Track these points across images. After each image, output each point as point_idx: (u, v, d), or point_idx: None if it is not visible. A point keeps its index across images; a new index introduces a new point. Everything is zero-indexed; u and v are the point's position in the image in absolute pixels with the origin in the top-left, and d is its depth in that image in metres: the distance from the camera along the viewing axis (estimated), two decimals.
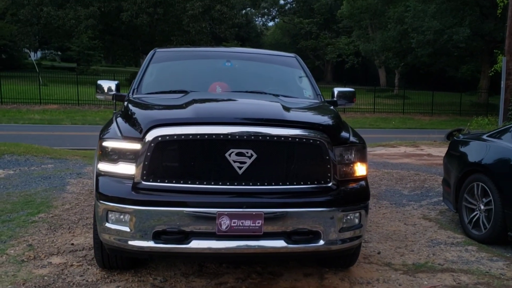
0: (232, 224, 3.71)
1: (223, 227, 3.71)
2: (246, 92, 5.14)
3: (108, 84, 5.38)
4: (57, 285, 4.22)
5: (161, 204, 3.75)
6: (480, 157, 5.71)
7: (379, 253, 5.14)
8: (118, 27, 43.50)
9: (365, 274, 4.61)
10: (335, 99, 5.47)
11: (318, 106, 4.85)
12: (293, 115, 4.09)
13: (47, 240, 5.35)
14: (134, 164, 3.84)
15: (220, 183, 3.78)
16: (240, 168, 3.75)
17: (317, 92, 5.39)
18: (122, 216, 3.83)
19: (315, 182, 3.90)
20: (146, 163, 3.77)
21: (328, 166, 3.90)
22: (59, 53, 67.50)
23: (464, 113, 31.66)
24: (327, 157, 3.89)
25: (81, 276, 4.42)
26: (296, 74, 5.73)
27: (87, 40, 46.64)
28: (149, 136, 3.78)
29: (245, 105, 4.45)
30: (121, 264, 4.44)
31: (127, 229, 3.79)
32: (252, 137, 3.76)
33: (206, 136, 3.75)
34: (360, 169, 4.11)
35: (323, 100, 5.28)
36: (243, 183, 3.78)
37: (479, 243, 5.57)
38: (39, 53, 65.77)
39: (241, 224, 3.72)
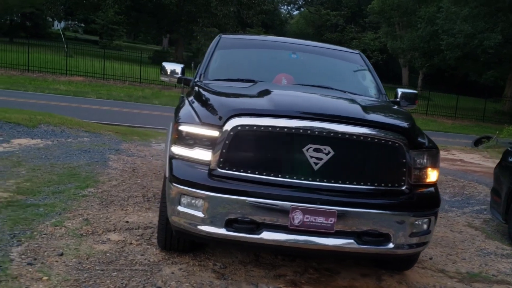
0: (305, 220, 3.75)
1: (296, 221, 3.74)
2: (313, 86, 5.14)
3: (173, 67, 5.41)
4: (120, 263, 4.28)
5: (236, 193, 3.79)
6: None
7: (431, 258, 5.16)
8: (145, 4, 43.47)
9: (420, 279, 4.63)
10: (398, 99, 5.46)
11: (392, 107, 4.85)
12: (373, 115, 4.10)
13: (101, 216, 5.41)
14: (211, 150, 3.87)
15: (294, 177, 3.81)
16: (316, 164, 3.77)
17: (381, 91, 5.39)
18: (196, 201, 3.87)
19: (389, 185, 3.92)
20: (223, 151, 3.81)
21: (404, 169, 3.91)
22: (82, 25, 67.67)
23: (487, 120, 31.46)
24: (404, 160, 3.90)
25: (142, 255, 4.48)
26: (360, 71, 5.74)
27: (112, 14, 46.63)
28: (229, 125, 3.80)
29: (325, 101, 4.46)
30: (182, 247, 4.50)
31: (200, 214, 3.83)
32: (332, 134, 3.77)
33: (286, 130, 3.77)
34: (432, 175, 4.12)
35: (388, 100, 5.28)
36: (318, 179, 3.81)
37: None
38: (62, 24, 65.86)
39: (313, 220, 3.75)
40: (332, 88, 5.13)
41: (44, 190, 6.19)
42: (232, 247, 4.70)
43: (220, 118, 3.86)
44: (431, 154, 4.11)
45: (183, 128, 4.02)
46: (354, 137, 3.81)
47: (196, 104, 4.26)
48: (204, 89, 4.58)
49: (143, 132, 12.46)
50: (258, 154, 3.83)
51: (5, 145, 8.91)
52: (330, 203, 3.77)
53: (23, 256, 4.23)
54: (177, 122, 4.11)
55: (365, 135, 3.83)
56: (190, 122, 4.04)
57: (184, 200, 3.92)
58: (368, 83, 5.56)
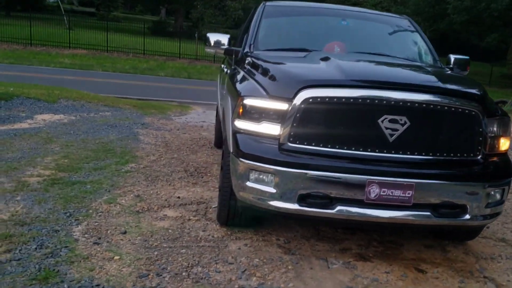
0: (382, 193, 3.67)
1: (372, 195, 3.67)
2: (369, 54, 5.03)
3: (219, 38, 5.27)
4: (185, 239, 4.23)
5: (309, 167, 3.70)
6: None
7: (488, 227, 5.11)
8: None
9: (484, 248, 4.59)
10: (451, 66, 5.35)
11: (459, 75, 4.75)
12: (449, 83, 3.99)
13: (151, 192, 5.35)
14: (279, 124, 3.77)
15: (369, 150, 3.72)
16: (391, 135, 3.68)
17: (436, 58, 5.28)
18: (266, 176, 3.79)
19: (464, 154, 3.83)
20: (294, 124, 3.71)
21: (480, 138, 3.83)
22: None
23: (493, 84, 31.28)
24: (480, 129, 3.81)
25: (204, 231, 4.43)
26: (412, 37, 5.61)
27: None
28: (300, 97, 3.70)
29: (397, 70, 4.36)
30: (244, 222, 4.44)
31: (271, 189, 3.75)
32: (408, 104, 3.67)
33: (360, 100, 3.67)
34: (505, 143, 4.04)
35: (443, 66, 5.17)
36: (393, 151, 3.72)
37: None
38: None
39: (390, 194, 3.68)
40: (388, 55, 5.02)
41: (84, 166, 6.11)
42: (300, 222, 4.64)
43: (290, 90, 3.74)
44: (504, 122, 4.02)
45: (249, 102, 3.91)
46: (431, 106, 3.71)
47: (258, 76, 4.14)
48: (263, 60, 4.45)
49: (158, 105, 12.33)
50: (330, 126, 3.73)
51: (29, 121, 8.81)
52: (407, 176, 3.69)
53: (86, 236, 4.17)
54: (241, 96, 3.99)
55: (442, 104, 3.73)
56: (256, 95, 3.92)
57: (253, 175, 3.83)
58: (421, 50, 5.44)
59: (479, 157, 3.87)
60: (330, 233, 4.61)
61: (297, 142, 3.74)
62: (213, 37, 5.30)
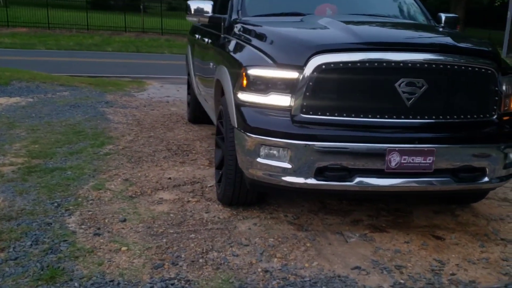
0: (402, 161, 3.50)
1: (393, 164, 3.49)
2: (366, 15, 4.84)
3: (200, 5, 4.93)
4: (191, 223, 3.97)
5: (326, 139, 3.49)
6: None
7: None
8: None
9: (490, 210, 4.53)
10: (442, 24, 5.19)
11: (461, 34, 4.60)
12: (463, 43, 3.84)
13: (139, 174, 5.03)
14: (289, 94, 3.52)
15: (386, 117, 3.53)
16: (409, 100, 3.49)
17: (428, 16, 5.12)
18: (279, 151, 3.54)
19: (481, 115, 3.70)
20: (307, 94, 3.47)
21: (496, 97, 3.70)
22: None
23: None
24: (496, 88, 3.68)
25: (207, 212, 4.17)
26: None
27: None
28: (312, 64, 3.45)
29: (408, 31, 4.16)
30: (250, 200, 4.21)
31: (286, 164, 3.52)
32: (426, 65, 3.49)
33: (376, 64, 3.46)
34: None
35: (437, 25, 5.03)
36: (411, 117, 3.54)
37: None
38: None
39: (411, 161, 3.51)
40: (385, 16, 4.83)
41: (58, 151, 5.71)
42: (305, 196, 4.43)
43: (300, 57, 3.48)
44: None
45: (254, 71, 3.64)
46: (448, 66, 3.54)
47: (259, 44, 3.86)
48: (260, 27, 4.17)
49: (113, 82, 11.81)
50: (345, 94, 3.51)
51: None
52: (428, 141, 3.53)
53: (83, 227, 3.85)
54: (243, 66, 3.70)
55: (459, 64, 3.56)
56: (261, 64, 3.65)
57: (264, 150, 3.58)
58: (413, 8, 5.26)
59: (494, 117, 3.75)
60: (336, 205, 4.44)
61: (311, 112, 3.51)
62: (194, 5, 4.96)
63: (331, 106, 3.51)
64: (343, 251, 3.63)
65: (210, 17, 4.87)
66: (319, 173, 3.51)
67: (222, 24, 4.74)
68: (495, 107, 3.73)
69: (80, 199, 4.35)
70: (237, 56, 3.97)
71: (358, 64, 3.46)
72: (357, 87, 3.51)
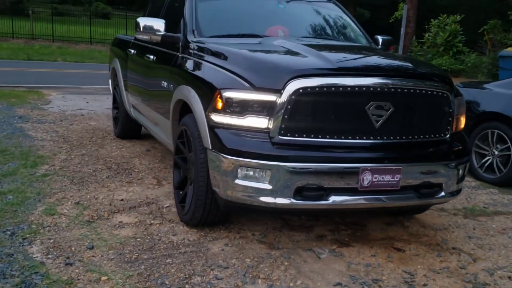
0: (374, 180, 3.69)
1: (365, 182, 3.67)
2: (316, 37, 5.03)
3: (151, 23, 4.87)
4: (162, 247, 3.91)
5: (305, 160, 3.60)
6: (498, 107, 6.17)
7: None
8: None
9: (432, 220, 4.86)
10: (380, 46, 5.51)
11: (415, 59, 4.90)
12: (422, 67, 4.13)
13: (88, 197, 4.85)
14: (267, 117, 3.61)
15: (357, 138, 3.72)
16: (377, 121, 3.71)
17: (369, 39, 5.41)
18: (258, 172, 3.61)
19: (437, 135, 4.00)
20: (285, 116, 3.57)
21: (450, 118, 4.02)
22: None
23: None
24: (450, 110, 4.00)
25: (175, 235, 4.13)
26: (344, 19, 5.66)
27: None
28: (290, 88, 3.55)
29: (373, 56, 4.37)
30: (217, 220, 4.22)
31: (265, 186, 3.59)
32: (392, 89, 3.73)
33: (350, 88, 3.64)
34: (463, 121, 4.28)
35: (377, 47, 5.33)
36: (379, 137, 3.76)
37: (492, 185, 6.13)
38: None
39: (381, 179, 3.71)
40: (335, 38, 5.06)
41: None
42: (285, 215, 4.52)
43: (279, 81, 3.58)
44: (463, 101, 4.25)
45: (230, 94, 3.68)
46: (412, 90, 3.81)
47: (231, 66, 3.89)
48: (226, 48, 4.20)
49: (11, 92, 11.17)
50: (320, 116, 3.65)
51: None
52: (395, 160, 3.76)
53: (50, 256, 3.67)
54: (218, 88, 3.73)
55: (421, 88, 3.85)
56: (237, 87, 3.70)
57: (242, 172, 3.62)
58: (356, 31, 5.53)
59: (447, 136, 4.06)
60: (297, 221, 4.57)
61: (288, 134, 3.61)
62: (144, 22, 4.87)
63: (308, 128, 3.63)
64: (320, 268, 3.75)
65: (163, 36, 4.80)
66: (298, 193, 3.61)
67: (180, 43, 4.69)
68: (448, 127, 4.05)
69: (34, 226, 4.12)
70: (208, 78, 3.97)
71: (333, 88, 3.61)
72: (332, 110, 3.65)
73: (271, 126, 3.60)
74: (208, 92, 3.87)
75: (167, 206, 4.71)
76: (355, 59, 4.16)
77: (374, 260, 3.92)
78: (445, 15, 16.80)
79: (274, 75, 3.64)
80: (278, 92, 3.56)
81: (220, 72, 3.92)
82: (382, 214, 4.76)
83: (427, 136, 3.95)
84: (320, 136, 3.65)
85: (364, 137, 3.72)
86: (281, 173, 3.55)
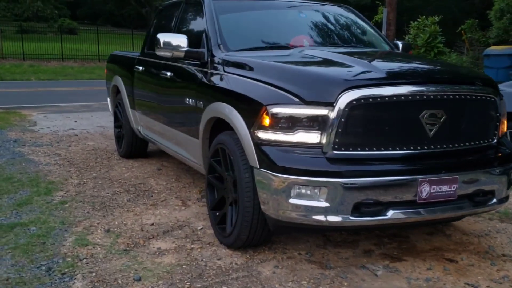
0: (432, 191, 3.57)
1: (424, 194, 3.55)
2: (343, 45, 4.93)
3: (173, 39, 4.68)
4: (212, 273, 3.71)
5: (360, 174, 3.46)
6: None
7: None
8: None
9: (471, 226, 4.77)
10: (401, 51, 5.43)
11: (448, 62, 4.81)
12: (469, 73, 4.04)
13: (116, 223, 4.62)
14: (318, 131, 3.46)
15: (412, 148, 3.59)
16: (430, 130, 3.60)
17: (390, 44, 5.34)
18: (314, 190, 3.45)
19: (485, 140, 3.91)
20: (339, 130, 3.42)
21: (497, 123, 3.94)
22: None
23: None
24: (497, 114, 3.92)
25: (220, 259, 3.94)
26: (362, 25, 5.58)
27: None
28: (343, 100, 3.41)
29: (418, 63, 4.27)
30: (261, 241, 4.05)
31: (323, 204, 3.43)
32: (445, 96, 3.63)
33: (403, 98, 3.52)
34: (506, 125, 4.20)
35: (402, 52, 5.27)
36: (433, 147, 3.65)
37: None
38: None
39: (439, 190, 3.59)
40: (360, 46, 4.98)
41: (1, 204, 5.07)
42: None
43: (331, 94, 3.43)
44: (505, 103, 4.16)
45: (279, 110, 3.53)
46: (463, 96, 3.71)
47: (274, 81, 3.73)
48: (263, 62, 4.06)
49: None
50: (373, 128, 3.52)
51: None
52: (451, 169, 3.64)
53: None
54: (264, 105, 3.57)
55: (471, 93, 3.76)
56: (285, 103, 3.54)
57: (297, 191, 3.46)
58: (377, 37, 5.45)
59: (495, 141, 3.98)
60: (338, 236, 4.42)
61: (342, 148, 3.46)
62: (164, 39, 4.68)
63: (362, 141, 3.49)
64: (380, 286, 3.61)
65: (186, 51, 4.61)
66: (355, 210, 3.46)
67: (208, 59, 4.51)
68: (496, 131, 3.96)
69: (70, 259, 3.88)
70: (249, 94, 3.80)
71: (387, 99, 3.48)
72: (385, 121, 3.52)
73: (323, 141, 3.45)
74: (251, 108, 3.71)
75: (200, 228, 4.51)
76: (401, 66, 4.06)
77: (432, 273, 3.79)
78: (424, 16, 16.91)
79: (325, 88, 3.50)
80: (330, 105, 3.41)
81: (262, 87, 3.76)
82: (423, 224, 4.63)
83: (477, 142, 3.85)
84: (374, 149, 3.51)
85: (419, 147, 3.60)
86: (338, 189, 3.40)
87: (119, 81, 6.97)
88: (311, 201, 3.46)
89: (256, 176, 3.66)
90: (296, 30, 5.10)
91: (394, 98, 3.50)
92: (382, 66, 3.79)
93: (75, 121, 10.45)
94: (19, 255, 3.94)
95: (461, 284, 3.66)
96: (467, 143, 3.79)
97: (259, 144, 3.61)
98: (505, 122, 4.16)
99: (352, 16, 5.63)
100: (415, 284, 3.65)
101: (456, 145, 3.75)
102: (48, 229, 4.45)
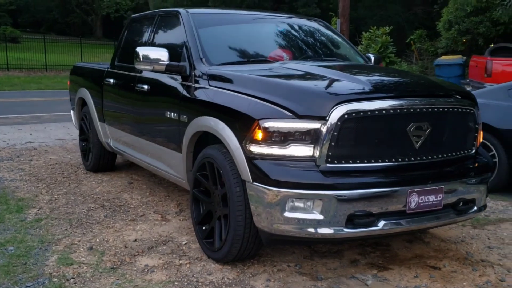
0: (420, 201, 3.68)
1: (413, 204, 3.65)
2: (322, 59, 5.01)
3: (153, 52, 4.64)
4: None
5: (353, 186, 3.53)
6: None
7: None
8: None
9: (446, 233, 4.91)
10: (373, 63, 5.57)
11: (426, 76, 4.95)
12: (450, 87, 4.18)
13: (97, 240, 4.54)
14: (311, 145, 3.52)
15: (400, 160, 3.70)
16: (417, 142, 3.71)
17: (364, 57, 5.47)
18: (309, 203, 3.50)
19: (465, 151, 4.07)
20: (332, 143, 3.49)
21: (476, 134, 4.10)
22: None
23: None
24: (476, 125, 4.09)
25: (210, 274, 3.92)
26: (337, 39, 5.69)
27: None
28: (336, 114, 3.48)
29: (404, 77, 4.38)
30: (252, 255, 4.06)
31: (318, 216, 3.48)
32: (430, 109, 3.75)
33: (392, 111, 3.62)
34: (481, 136, 4.37)
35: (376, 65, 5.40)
36: (419, 158, 3.76)
37: None
38: None
39: (426, 200, 3.71)
40: (338, 59, 5.09)
41: None
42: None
43: (324, 108, 3.49)
44: (480, 116, 4.33)
45: (271, 124, 3.56)
46: (446, 109, 3.86)
47: (263, 95, 3.76)
48: (250, 76, 4.10)
49: None
50: (365, 141, 3.60)
51: None
52: (438, 180, 3.77)
53: None
54: (255, 119, 3.60)
55: (453, 106, 3.91)
56: (277, 117, 3.58)
57: (291, 204, 3.50)
58: (351, 50, 5.56)
59: (473, 152, 4.13)
60: (321, 247, 4.48)
61: (335, 161, 3.52)
62: (144, 52, 4.64)
63: (353, 154, 3.57)
64: None
65: (167, 65, 4.58)
66: (349, 221, 3.52)
67: (193, 73, 4.49)
68: (474, 142, 4.12)
69: (56, 279, 3.79)
70: (240, 108, 3.80)
71: (376, 112, 3.57)
72: (375, 134, 3.61)
73: (316, 154, 3.51)
74: (242, 123, 3.72)
75: (185, 243, 4.48)
76: (387, 80, 4.17)
77: (419, 281, 3.89)
78: (375, 27, 17.35)
79: (317, 102, 3.55)
80: (323, 119, 3.47)
81: (253, 101, 3.78)
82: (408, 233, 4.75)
83: (458, 153, 3.99)
84: (365, 161, 3.59)
85: (406, 159, 3.71)
86: (333, 202, 3.46)
87: (85, 94, 6.83)
88: (305, 214, 3.50)
89: (249, 190, 3.67)
90: (274, 43, 5.16)
91: (384, 111, 3.59)
92: (370, 80, 3.88)
93: (30, 134, 10.17)
94: (1, 277, 3.80)
95: None
96: (449, 154, 3.93)
97: (251, 158, 3.63)
98: (481, 132, 4.33)
99: (326, 30, 5.74)
100: None
101: (440, 156, 3.87)
102: (27, 248, 4.33)
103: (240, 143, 3.71)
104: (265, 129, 3.56)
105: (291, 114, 3.55)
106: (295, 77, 4.15)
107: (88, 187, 6.20)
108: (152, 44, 5.38)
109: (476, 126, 4.09)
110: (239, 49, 4.97)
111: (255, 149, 3.61)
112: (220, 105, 4.03)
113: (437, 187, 3.73)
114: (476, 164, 4.10)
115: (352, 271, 4.04)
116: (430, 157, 3.81)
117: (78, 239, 4.53)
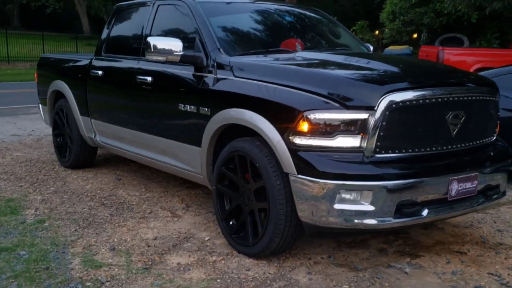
0: (459, 188, 3.76)
1: (453, 192, 3.72)
2: (334, 48, 5.02)
3: (167, 43, 4.46)
4: (251, 285, 3.61)
5: (402, 176, 3.55)
6: None
7: None
8: None
9: (454, 219, 5.00)
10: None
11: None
12: (478, 75, 4.26)
13: (115, 240, 4.34)
14: (359, 135, 3.50)
15: (439, 148, 3.75)
16: (453, 130, 3.78)
17: (367, 47, 5.51)
18: (359, 195, 3.48)
19: (488, 138, 4.19)
20: (380, 133, 3.48)
21: (497, 121, 4.23)
22: None
23: None
24: (498, 112, 4.22)
25: (248, 270, 3.84)
26: (338, 28, 5.68)
27: None
28: (384, 104, 3.47)
29: (431, 65, 4.43)
30: (287, 248, 4.00)
31: (369, 207, 3.47)
32: (465, 98, 3.84)
33: (434, 100, 3.66)
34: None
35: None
36: (455, 146, 3.84)
37: None
38: None
39: (464, 187, 3.79)
40: (350, 49, 5.12)
41: None
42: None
43: (372, 98, 3.47)
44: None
45: (318, 115, 3.51)
46: (477, 97, 3.96)
47: (305, 86, 3.68)
48: (282, 66, 4.02)
49: None
50: (409, 130, 3.63)
51: None
52: (472, 167, 3.85)
53: None
54: (300, 111, 3.54)
55: (482, 95, 4.02)
56: (323, 107, 3.53)
57: (339, 196, 3.47)
58: (355, 40, 5.58)
59: (494, 139, 4.27)
60: (347, 238, 4.47)
61: (383, 151, 3.53)
62: (156, 42, 4.44)
63: (400, 143, 3.59)
64: (418, 283, 3.71)
65: (182, 56, 4.41)
66: (397, 211, 3.54)
67: (213, 63, 4.33)
68: (495, 129, 4.25)
69: (90, 284, 3.58)
70: (281, 100, 3.71)
71: (421, 101, 3.60)
72: (418, 122, 3.64)
73: (364, 144, 3.49)
74: (284, 114, 3.65)
75: (208, 239, 4.36)
76: (422, 69, 4.20)
77: (453, 266, 3.97)
78: None
79: (366, 92, 3.53)
80: (371, 109, 3.45)
81: (295, 93, 3.69)
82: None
83: (483, 140, 4.10)
84: (410, 150, 3.62)
85: (445, 147, 3.76)
86: (383, 192, 3.45)
87: (63, 86, 6.47)
88: (354, 205, 3.48)
89: (293, 182, 3.59)
90: (284, 33, 5.08)
91: (427, 100, 3.62)
92: (406, 69, 3.90)
93: None
94: (26, 284, 3.54)
95: (485, 275, 3.86)
96: (477, 141, 4.02)
97: (295, 150, 3.56)
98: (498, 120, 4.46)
99: (329, 20, 5.72)
100: (446, 278, 3.80)
101: (471, 143, 3.96)
102: (41, 252, 4.06)
103: (282, 135, 3.62)
104: (311, 121, 3.49)
105: (338, 105, 3.50)
106: (332, 68, 4.10)
107: (76, 185, 5.90)
108: (152, 33, 5.16)
109: (498, 113, 4.20)
110: (252, 38, 4.88)
111: (299, 141, 3.54)
112: (254, 97, 3.91)
113: (473, 174, 3.81)
114: (499, 150, 4.21)
115: (385, 260, 4.06)
116: (464, 145, 3.88)
117: (94, 240, 4.29)
